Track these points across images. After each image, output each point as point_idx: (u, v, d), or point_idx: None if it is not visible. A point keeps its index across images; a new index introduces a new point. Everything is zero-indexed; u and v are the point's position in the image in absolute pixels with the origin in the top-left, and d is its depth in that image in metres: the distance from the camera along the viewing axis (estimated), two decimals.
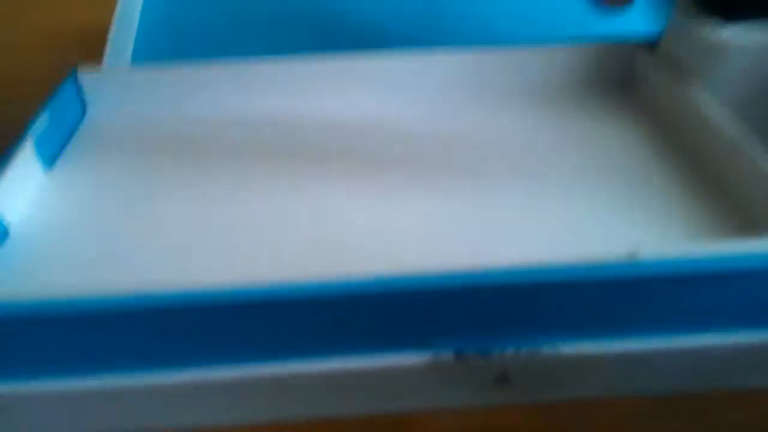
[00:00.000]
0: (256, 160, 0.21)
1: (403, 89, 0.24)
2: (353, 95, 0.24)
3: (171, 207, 0.19)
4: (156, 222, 0.19)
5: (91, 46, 0.26)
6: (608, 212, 0.19)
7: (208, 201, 0.19)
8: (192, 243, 0.18)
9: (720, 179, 0.19)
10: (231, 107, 0.23)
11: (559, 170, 0.20)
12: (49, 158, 0.21)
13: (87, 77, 0.23)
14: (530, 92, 0.24)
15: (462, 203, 0.19)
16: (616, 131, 0.22)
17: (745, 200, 0.18)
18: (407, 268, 0.14)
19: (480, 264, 0.14)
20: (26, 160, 0.19)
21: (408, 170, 0.21)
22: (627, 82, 0.25)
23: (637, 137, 0.22)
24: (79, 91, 0.23)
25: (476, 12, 0.29)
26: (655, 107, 0.23)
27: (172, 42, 0.28)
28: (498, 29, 0.28)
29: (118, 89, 0.23)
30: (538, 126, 0.22)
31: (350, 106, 0.24)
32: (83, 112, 0.23)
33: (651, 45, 0.24)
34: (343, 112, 0.23)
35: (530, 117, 0.23)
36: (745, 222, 0.18)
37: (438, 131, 0.22)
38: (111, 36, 0.26)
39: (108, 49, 0.25)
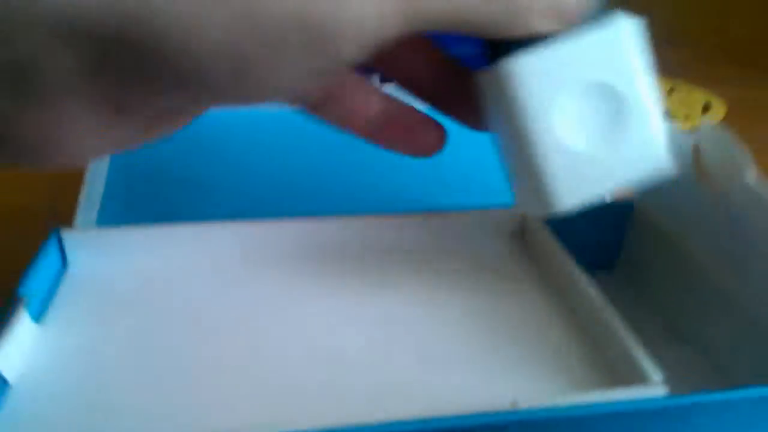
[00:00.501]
0: (225, 311, 0.25)
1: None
2: (304, 255, 0.28)
3: (162, 354, 0.23)
4: (148, 370, 0.22)
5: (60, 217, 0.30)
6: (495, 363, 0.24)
7: (194, 346, 0.23)
8: (190, 388, 0.21)
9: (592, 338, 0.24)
10: (196, 262, 0.28)
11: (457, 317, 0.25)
12: (38, 313, 0.24)
13: (67, 236, 0.27)
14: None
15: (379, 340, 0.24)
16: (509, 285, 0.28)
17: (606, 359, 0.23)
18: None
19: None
20: (19, 317, 0.23)
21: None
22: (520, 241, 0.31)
23: (527, 293, 0.27)
24: (61, 248, 0.27)
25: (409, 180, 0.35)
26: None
27: (134, 206, 0.32)
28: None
29: (96, 246, 0.27)
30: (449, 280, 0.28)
31: (304, 264, 0.28)
32: (65, 267, 0.27)
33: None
34: (298, 266, 0.28)
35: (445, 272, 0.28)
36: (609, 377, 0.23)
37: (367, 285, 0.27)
38: (80, 200, 0.30)
39: (78, 212, 0.30)
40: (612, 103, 0.18)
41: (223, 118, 0.38)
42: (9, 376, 0.21)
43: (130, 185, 0.34)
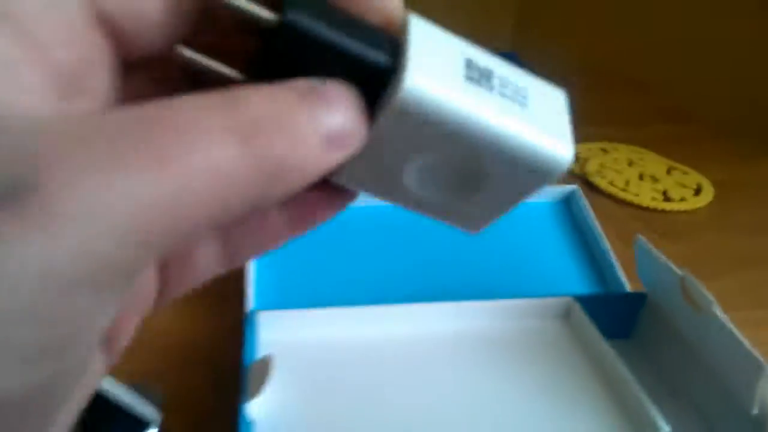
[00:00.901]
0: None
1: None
2: (416, 330, 0.41)
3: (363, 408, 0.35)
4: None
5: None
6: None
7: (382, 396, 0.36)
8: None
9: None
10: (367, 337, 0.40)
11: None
12: None
13: (261, 317, 0.39)
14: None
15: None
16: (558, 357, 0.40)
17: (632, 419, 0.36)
18: None
19: None
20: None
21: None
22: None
23: (574, 359, 0.40)
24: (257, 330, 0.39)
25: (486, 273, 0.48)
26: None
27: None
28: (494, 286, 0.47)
29: (287, 326, 0.39)
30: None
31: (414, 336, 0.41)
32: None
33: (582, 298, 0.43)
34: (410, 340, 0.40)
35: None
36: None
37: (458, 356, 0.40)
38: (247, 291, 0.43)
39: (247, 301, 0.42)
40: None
41: None
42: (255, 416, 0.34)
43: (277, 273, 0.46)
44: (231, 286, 0.44)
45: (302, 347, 0.39)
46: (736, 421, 0.35)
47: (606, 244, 0.49)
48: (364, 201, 0.20)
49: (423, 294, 0.43)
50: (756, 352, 0.33)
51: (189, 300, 0.46)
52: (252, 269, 0.45)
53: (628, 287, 0.46)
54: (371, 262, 0.48)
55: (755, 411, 0.33)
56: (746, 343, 0.34)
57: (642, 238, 0.42)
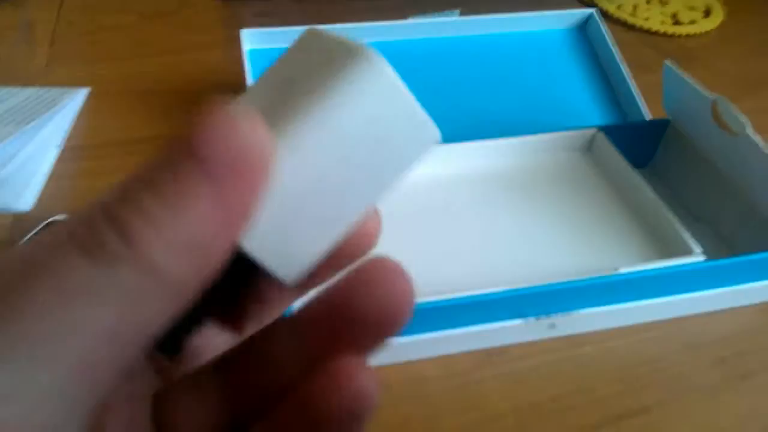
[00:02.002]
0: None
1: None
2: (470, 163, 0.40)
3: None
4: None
5: None
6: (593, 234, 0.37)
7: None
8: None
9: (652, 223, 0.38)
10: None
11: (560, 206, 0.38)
12: None
13: None
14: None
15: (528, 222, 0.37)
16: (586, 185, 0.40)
17: (661, 239, 0.37)
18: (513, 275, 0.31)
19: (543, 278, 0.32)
20: None
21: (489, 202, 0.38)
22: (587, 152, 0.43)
23: (598, 189, 0.40)
24: None
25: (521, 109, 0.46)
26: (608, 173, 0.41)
27: None
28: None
29: None
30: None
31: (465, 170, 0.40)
32: None
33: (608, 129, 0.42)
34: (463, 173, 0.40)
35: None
36: (665, 250, 0.36)
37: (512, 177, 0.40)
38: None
39: None
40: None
41: None
42: None
43: None
44: None
45: None
46: (763, 243, 0.36)
47: (626, 71, 0.47)
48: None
49: (445, 135, 0.41)
50: None
51: None
52: None
53: (648, 115, 0.45)
54: None
55: None
56: None
57: (669, 63, 0.40)
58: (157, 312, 0.12)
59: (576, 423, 0.31)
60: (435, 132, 0.15)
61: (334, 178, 0.14)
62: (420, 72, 0.48)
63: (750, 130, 0.35)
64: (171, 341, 0.15)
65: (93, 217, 0.11)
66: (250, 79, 0.44)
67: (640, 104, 0.46)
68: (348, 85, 0.13)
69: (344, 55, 0.14)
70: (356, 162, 0.14)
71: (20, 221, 0.40)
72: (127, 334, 0.11)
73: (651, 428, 0.31)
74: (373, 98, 0.13)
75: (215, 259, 0.12)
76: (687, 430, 0.31)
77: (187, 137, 0.12)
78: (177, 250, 0.11)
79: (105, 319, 0.11)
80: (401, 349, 0.32)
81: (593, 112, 0.48)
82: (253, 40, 0.47)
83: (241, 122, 0.12)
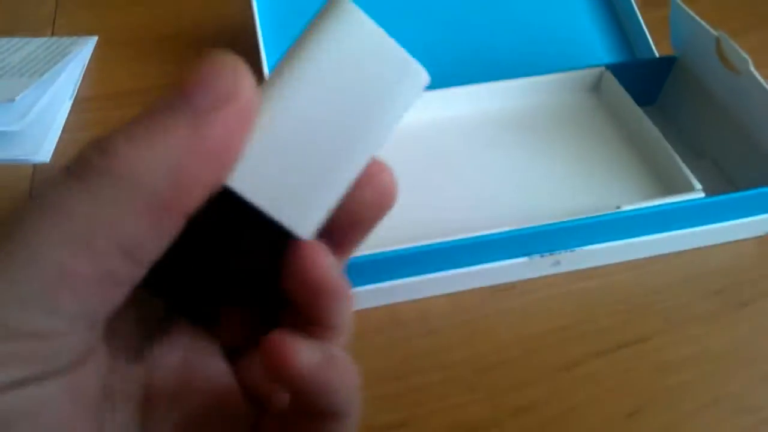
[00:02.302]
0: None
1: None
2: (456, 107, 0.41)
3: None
4: None
5: None
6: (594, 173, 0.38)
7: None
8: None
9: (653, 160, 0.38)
10: None
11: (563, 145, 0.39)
12: None
13: None
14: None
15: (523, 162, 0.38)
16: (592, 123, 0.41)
17: (664, 176, 0.37)
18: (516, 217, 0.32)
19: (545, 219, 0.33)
20: None
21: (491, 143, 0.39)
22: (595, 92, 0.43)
23: (605, 127, 0.41)
24: None
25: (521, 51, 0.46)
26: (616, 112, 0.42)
27: None
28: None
29: None
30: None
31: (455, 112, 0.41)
32: None
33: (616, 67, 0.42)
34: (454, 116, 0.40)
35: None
36: (668, 187, 0.37)
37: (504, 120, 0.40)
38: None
39: None
40: None
41: None
42: None
43: None
44: None
45: None
46: (760, 177, 0.37)
47: (635, 4, 0.47)
48: None
49: (448, 79, 0.42)
50: None
51: None
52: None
53: (656, 52, 0.45)
54: None
55: None
56: None
57: (677, 1, 0.40)
58: (131, 220, 0.13)
59: (578, 351, 0.33)
60: (421, 73, 0.15)
61: (325, 125, 0.15)
62: (420, 12, 0.48)
63: (752, 68, 0.36)
64: (165, 282, 0.15)
65: (84, 148, 0.13)
66: (258, 22, 0.45)
67: (649, 40, 0.46)
68: (326, 35, 0.14)
69: (324, 9, 0.15)
70: (345, 107, 0.15)
71: (40, 172, 0.42)
72: (101, 240, 0.12)
73: (649, 354, 0.33)
74: (352, 44, 0.14)
75: (195, 189, 0.13)
76: (684, 355, 0.33)
77: (180, 82, 0.13)
78: (153, 166, 0.13)
79: (77, 227, 0.12)
80: (412, 287, 0.34)
81: (601, 49, 0.48)
82: None
83: (226, 69, 0.13)
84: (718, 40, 0.37)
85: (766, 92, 0.35)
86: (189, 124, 0.13)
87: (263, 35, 0.45)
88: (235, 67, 0.13)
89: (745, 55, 0.36)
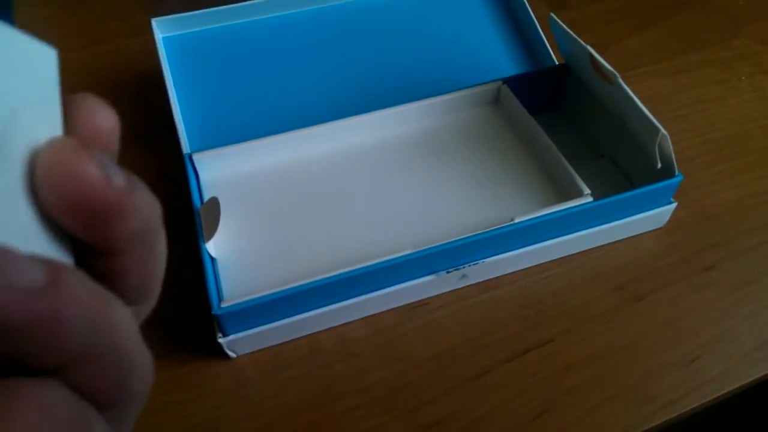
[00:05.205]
0: (311, 184, 0.40)
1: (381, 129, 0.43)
2: (347, 140, 0.42)
3: (281, 220, 0.38)
4: (283, 231, 0.37)
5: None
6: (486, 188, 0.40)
7: (306, 209, 0.38)
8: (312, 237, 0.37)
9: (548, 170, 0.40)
10: (273, 161, 0.41)
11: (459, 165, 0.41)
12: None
13: (196, 157, 0.40)
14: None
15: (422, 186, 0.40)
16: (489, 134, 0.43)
17: (558, 183, 0.40)
18: (419, 238, 0.34)
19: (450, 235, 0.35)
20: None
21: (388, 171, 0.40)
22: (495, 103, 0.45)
23: (504, 140, 0.43)
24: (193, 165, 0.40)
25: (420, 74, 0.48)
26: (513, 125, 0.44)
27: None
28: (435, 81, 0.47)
29: (217, 160, 0.40)
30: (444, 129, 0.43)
31: (348, 145, 0.42)
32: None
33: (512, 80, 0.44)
34: (347, 149, 0.42)
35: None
36: (562, 194, 0.39)
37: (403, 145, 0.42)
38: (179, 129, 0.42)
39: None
40: None
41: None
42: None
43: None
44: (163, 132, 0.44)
45: (241, 180, 0.40)
46: (648, 175, 0.39)
47: (531, 14, 0.49)
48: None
49: (355, 108, 0.43)
50: (654, 119, 0.36)
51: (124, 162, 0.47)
52: (180, 115, 0.45)
53: (556, 61, 0.48)
54: (286, 86, 0.47)
55: (659, 166, 0.37)
56: (645, 109, 0.36)
57: (553, 16, 0.42)
58: None
59: (488, 359, 0.35)
60: (42, 46, 0.15)
61: None
62: (326, 42, 0.49)
63: (622, 81, 0.38)
64: None
65: None
66: (166, 67, 0.46)
67: (549, 48, 0.48)
68: None
69: None
70: None
71: None
72: None
73: (554, 356, 0.35)
74: None
75: None
76: (587, 352, 0.35)
77: None
78: None
79: None
80: (330, 315, 0.35)
81: (505, 60, 0.50)
82: (164, 28, 0.48)
83: None
84: (590, 54, 0.40)
85: (635, 103, 0.37)
86: None
87: (173, 78, 0.46)
88: None
89: (613, 70, 0.38)
